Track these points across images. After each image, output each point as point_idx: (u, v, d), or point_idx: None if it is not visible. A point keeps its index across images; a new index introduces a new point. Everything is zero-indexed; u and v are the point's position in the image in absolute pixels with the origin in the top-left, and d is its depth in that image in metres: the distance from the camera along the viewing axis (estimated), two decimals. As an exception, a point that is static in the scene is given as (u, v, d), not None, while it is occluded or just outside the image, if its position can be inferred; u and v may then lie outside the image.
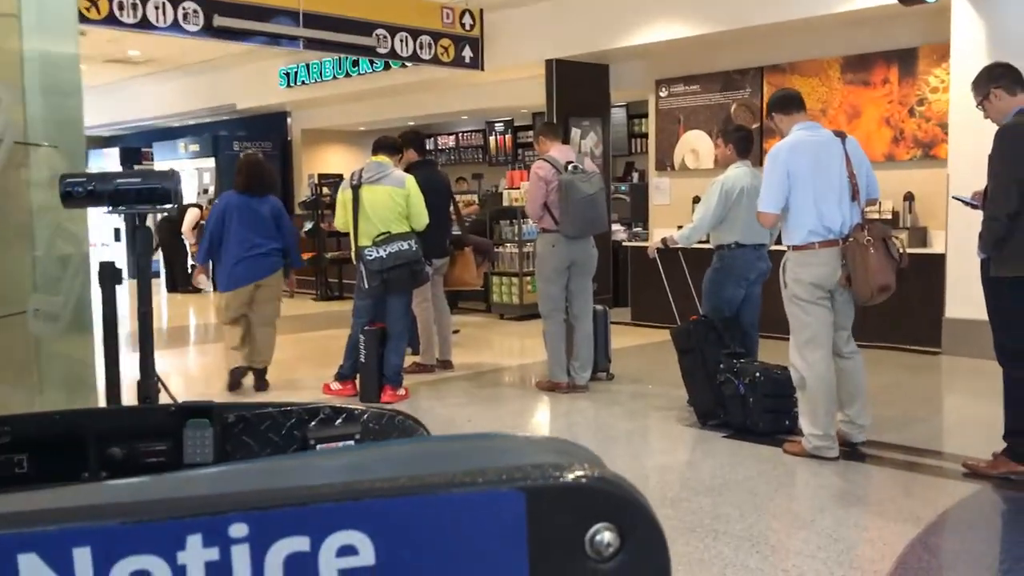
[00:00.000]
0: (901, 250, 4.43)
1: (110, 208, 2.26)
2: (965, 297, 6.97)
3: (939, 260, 7.18)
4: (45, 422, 1.19)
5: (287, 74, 12.88)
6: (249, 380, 6.31)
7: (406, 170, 6.30)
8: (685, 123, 9.37)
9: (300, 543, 0.48)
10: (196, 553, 0.47)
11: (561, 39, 9.48)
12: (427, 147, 15.43)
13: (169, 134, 15.94)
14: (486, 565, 0.49)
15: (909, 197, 7.76)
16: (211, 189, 14.36)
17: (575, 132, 9.96)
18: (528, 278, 9.22)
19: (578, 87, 9.88)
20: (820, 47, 8.30)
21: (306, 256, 12.39)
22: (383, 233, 5.62)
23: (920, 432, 5.08)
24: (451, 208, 7.12)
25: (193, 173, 14.22)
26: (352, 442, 1.19)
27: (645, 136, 11.04)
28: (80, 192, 2.18)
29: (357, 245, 5.72)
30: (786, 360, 4.61)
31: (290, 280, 6.43)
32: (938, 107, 7.63)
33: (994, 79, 4.09)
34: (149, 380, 2.48)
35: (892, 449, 4.66)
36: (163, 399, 2.60)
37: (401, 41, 8.84)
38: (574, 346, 6.12)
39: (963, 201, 4.52)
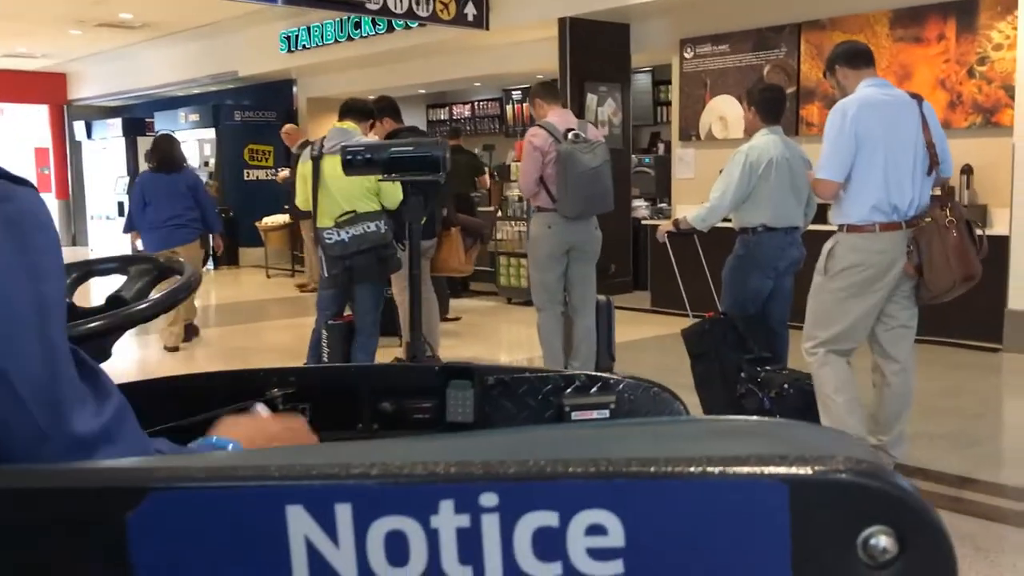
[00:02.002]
0: (981, 234, 3.67)
1: (383, 175, 2.41)
2: (1032, 287, 6.06)
3: (1002, 243, 6.21)
4: (326, 375, 1.35)
5: (288, 38, 12.07)
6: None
7: (386, 139, 5.62)
8: (712, 88, 8.42)
9: (549, 518, 0.47)
10: (448, 519, 0.47)
11: (576, -6, 8.55)
12: (442, 117, 14.83)
13: (173, 104, 15.23)
14: (743, 559, 0.46)
15: (967, 170, 6.78)
16: (211, 161, 13.62)
17: (591, 98, 9.06)
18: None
19: (595, 49, 8.96)
20: (865, -1, 7.30)
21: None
22: (347, 212, 4.80)
23: (984, 458, 4.20)
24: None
25: (194, 144, 13.47)
26: (607, 411, 1.20)
27: (671, 104, 10.10)
28: (359, 160, 2.34)
29: (316, 226, 4.91)
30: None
31: (216, 243, 7.19)
32: (1002, 67, 6.64)
33: None
34: (417, 341, 2.56)
35: (949, 482, 3.79)
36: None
37: (395, -4, 7.96)
38: (573, 342, 5.29)
39: None
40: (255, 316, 9.05)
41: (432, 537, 0.47)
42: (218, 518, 0.50)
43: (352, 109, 5.15)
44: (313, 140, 5.24)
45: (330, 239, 4.77)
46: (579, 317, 5.26)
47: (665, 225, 4.81)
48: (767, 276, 4.54)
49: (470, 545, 0.48)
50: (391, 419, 1.25)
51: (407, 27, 10.08)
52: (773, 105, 4.55)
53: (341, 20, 11.04)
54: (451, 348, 6.52)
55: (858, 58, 3.82)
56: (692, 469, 0.47)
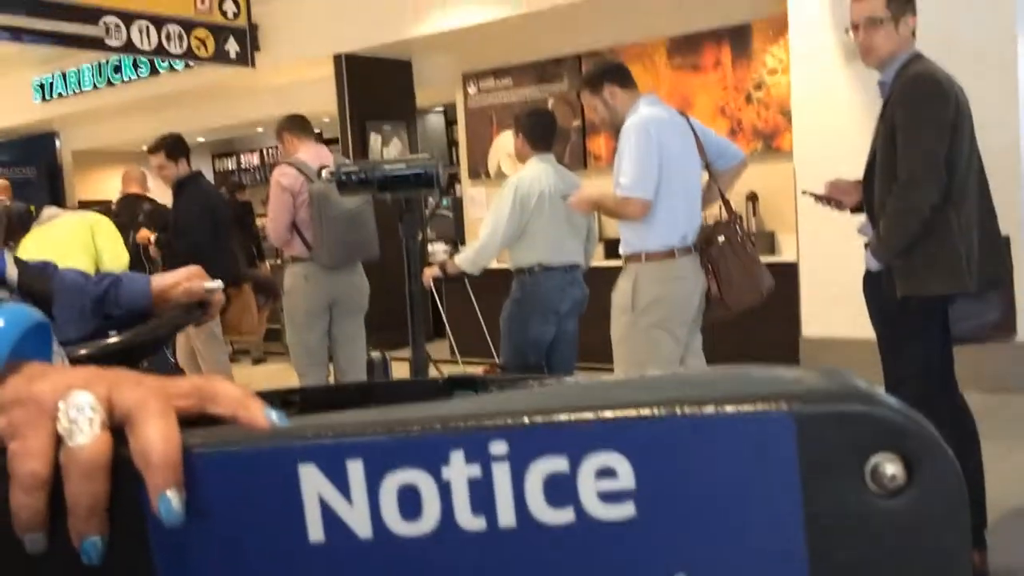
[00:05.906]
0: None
1: (378, 193, 2.41)
2: (822, 312, 5.94)
3: (791, 270, 6.09)
4: (330, 393, 1.32)
5: (41, 86, 10.90)
6: None
7: (177, 185, 5.06)
8: (499, 123, 8.06)
9: (559, 463, 0.46)
10: (459, 469, 0.47)
11: (351, 29, 8.01)
12: (229, 167, 13.88)
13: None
14: (753, 491, 0.45)
15: (752, 197, 6.68)
16: (-41, 225, 12.09)
17: (375, 138, 8.51)
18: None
19: (376, 86, 8.44)
20: (643, 28, 7.14)
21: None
22: None
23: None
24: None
25: (-62, 207, 11.89)
26: None
27: (462, 143, 9.71)
28: (353, 180, 2.30)
29: None
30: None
31: None
32: (777, 92, 6.59)
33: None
34: (420, 355, 2.47)
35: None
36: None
37: (140, 31, 7.10)
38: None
39: (816, 196, 3.33)
40: None
41: (444, 488, 0.46)
42: (230, 482, 0.46)
43: None
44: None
45: None
46: (348, 380, 4.61)
47: (430, 270, 4.27)
48: (548, 321, 4.08)
49: (482, 494, 0.46)
50: None
51: (172, 69, 9.24)
52: (542, 130, 4.12)
53: (100, 64, 10.05)
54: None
55: (628, 77, 3.58)
56: (698, 405, 0.45)
